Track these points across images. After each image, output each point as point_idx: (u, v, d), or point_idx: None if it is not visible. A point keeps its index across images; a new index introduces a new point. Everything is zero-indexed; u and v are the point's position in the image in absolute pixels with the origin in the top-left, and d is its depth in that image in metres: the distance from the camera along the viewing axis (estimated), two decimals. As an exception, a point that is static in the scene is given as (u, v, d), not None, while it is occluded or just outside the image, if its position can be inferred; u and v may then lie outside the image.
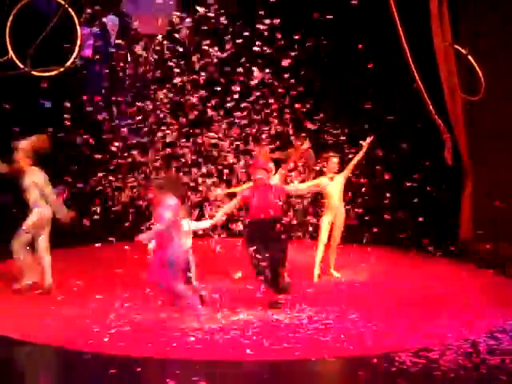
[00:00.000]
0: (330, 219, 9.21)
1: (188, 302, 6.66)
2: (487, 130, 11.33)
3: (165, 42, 11.04)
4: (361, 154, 9.24)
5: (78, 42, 7.34)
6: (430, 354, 5.95)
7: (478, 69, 9.95)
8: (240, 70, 9.65)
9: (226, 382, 5.30)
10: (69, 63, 7.48)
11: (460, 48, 10.31)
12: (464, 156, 11.33)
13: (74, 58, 7.29)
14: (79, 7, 7.66)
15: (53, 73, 7.47)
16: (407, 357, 5.84)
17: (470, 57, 10.09)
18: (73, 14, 7.36)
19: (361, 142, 9.36)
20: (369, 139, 9.28)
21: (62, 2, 7.40)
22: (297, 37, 10.11)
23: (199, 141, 9.82)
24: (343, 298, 7.98)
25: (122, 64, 10.96)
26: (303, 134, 9.59)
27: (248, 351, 5.97)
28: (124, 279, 8.65)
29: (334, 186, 9.15)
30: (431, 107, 10.02)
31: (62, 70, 7.48)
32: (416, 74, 9.65)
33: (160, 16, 12.70)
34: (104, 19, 11.38)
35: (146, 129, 10.75)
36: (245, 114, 9.61)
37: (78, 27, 7.41)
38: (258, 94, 9.59)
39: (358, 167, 9.68)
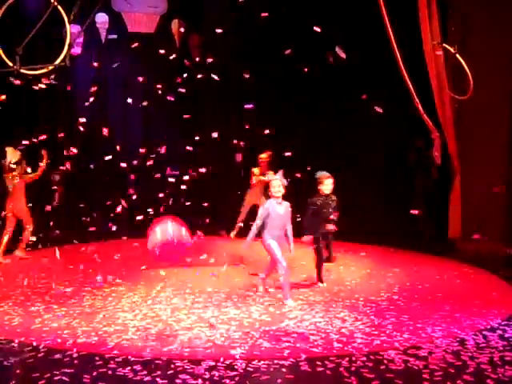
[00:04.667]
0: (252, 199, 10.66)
1: None
2: (475, 129, 11.39)
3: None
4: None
5: (68, 40, 7.29)
6: (419, 351, 5.98)
7: (466, 68, 9.99)
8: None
9: (214, 382, 5.29)
10: (58, 61, 7.43)
11: (448, 47, 10.36)
12: (453, 155, 11.39)
13: (64, 56, 7.24)
14: (69, 5, 7.58)
15: (42, 71, 7.44)
16: (396, 355, 5.88)
17: (458, 55, 10.14)
18: (62, 12, 7.32)
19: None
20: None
21: (52, 0, 7.37)
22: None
23: None
24: (332, 297, 8.01)
25: None
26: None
27: (237, 350, 5.98)
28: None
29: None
30: (420, 106, 10.08)
31: (51, 68, 7.44)
32: (405, 74, 9.71)
33: (150, 14, 12.69)
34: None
35: None
36: None
37: (67, 25, 7.36)
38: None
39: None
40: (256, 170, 11.49)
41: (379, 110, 9.82)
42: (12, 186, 10.24)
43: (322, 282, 8.63)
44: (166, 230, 8.05)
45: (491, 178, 11.17)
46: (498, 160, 11.17)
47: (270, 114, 12.51)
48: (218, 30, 11.22)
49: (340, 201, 8.83)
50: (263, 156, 11.34)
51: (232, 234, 11.79)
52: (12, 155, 10.18)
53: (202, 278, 8.95)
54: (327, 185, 8.55)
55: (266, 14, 10.74)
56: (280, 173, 7.80)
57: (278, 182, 7.74)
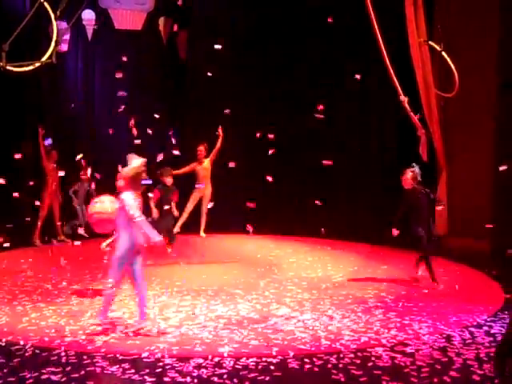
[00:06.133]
0: (199, 195, 10.74)
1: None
2: (460, 126, 11.45)
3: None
4: (219, 142, 10.52)
5: (55, 37, 7.26)
6: (406, 348, 6.02)
7: (452, 66, 10.04)
8: None
9: (202, 380, 5.29)
10: (45, 58, 7.40)
11: (435, 45, 10.40)
12: (439, 152, 11.44)
13: (51, 53, 7.21)
14: (55, 2, 7.55)
15: (29, 68, 7.40)
16: (383, 352, 5.91)
17: (444, 53, 10.19)
18: (49, 9, 7.29)
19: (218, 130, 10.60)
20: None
21: (38, -3, 7.34)
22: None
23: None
24: (319, 294, 8.03)
25: None
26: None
27: (225, 348, 5.99)
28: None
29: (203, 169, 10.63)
30: (406, 104, 10.11)
31: (38, 65, 7.41)
32: (391, 71, 9.75)
33: (137, 11, 12.65)
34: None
35: None
36: None
37: (54, 22, 7.34)
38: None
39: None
40: (195, 164, 11.19)
41: (320, 116, 10.32)
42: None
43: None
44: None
45: (477, 175, 11.25)
46: (484, 156, 11.23)
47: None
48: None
49: (329, 199, 8.90)
50: (201, 148, 11.14)
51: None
52: None
53: (190, 276, 8.96)
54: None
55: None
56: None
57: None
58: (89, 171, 10.51)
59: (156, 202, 9.86)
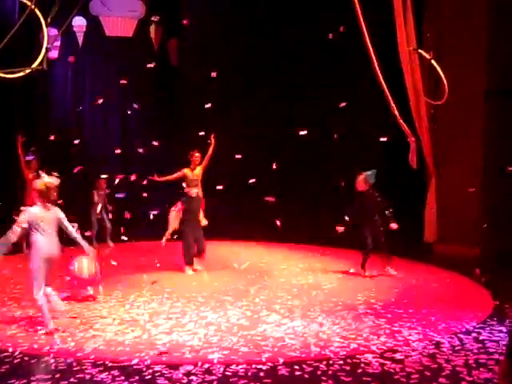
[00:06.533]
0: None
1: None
2: (450, 133, 11.52)
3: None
4: (211, 149, 10.25)
5: (45, 44, 7.26)
6: (396, 355, 6.03)
7: (441, 73, 10.11)
8: None
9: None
10: (35, 65, 7.40)
11: (424, 53, 10.48)
12: (428, 159, 11.50)
13: (42, 60, 7.21)
14: (46, 8, 7.55)
15: (19, 74, 7.39)
16: (373, 358, 5.92)
17: (433, 61, 10.26)
18: (40, 15, 7.28)
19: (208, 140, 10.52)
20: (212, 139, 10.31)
21: (29, 3, 7.33)
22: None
23: None
24: (309, 301, 8.04)
25: None
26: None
27: (215, 355, 5.98)
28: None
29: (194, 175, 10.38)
30: (396, 111, 10.17)
31: (28, 71, 7.40)
32: (381, 79, 9.80)
33: (128, 18, 12.66)
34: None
35: None
36: None
37: (44, 28, 7.33)
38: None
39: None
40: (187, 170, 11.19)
41: (303, 132, 10.49)
42: None
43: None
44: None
45: (466, 181, 11.30)
46: (472, 163, 11.30)
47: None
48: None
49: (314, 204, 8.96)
50: (198, 154, 11.11)
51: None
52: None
53: (181, 283, 8.96)
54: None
55: None
56: None
57: None
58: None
59: (183, 215, 9.86)
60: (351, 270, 9.74)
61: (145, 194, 11.82)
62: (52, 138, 11.55)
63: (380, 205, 9.39)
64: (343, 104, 10.04)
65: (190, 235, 9.73)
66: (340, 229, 9.36)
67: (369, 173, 9.44)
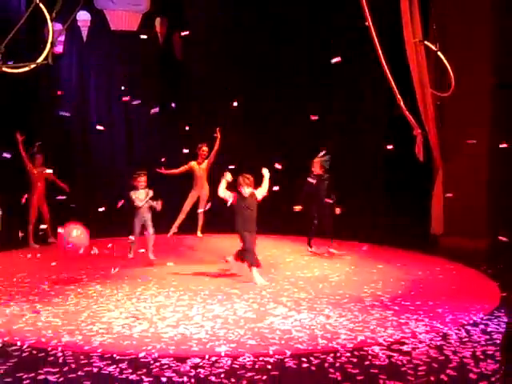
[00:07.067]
0: (196, 193, 11.17)
1: None
2: (456, 125, 11.47)
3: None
4: (217, 144, 10.91)
5: (50, 39, 7.24)
6: (403, 347, 6.03)
7: (448, 65, 10.06)
8: None
9: (199, 379, 5.29)
10: (40, 59, 7.38)
11: (430, 45, 10.42)
12: (435, 151, 11.47)
13: (47, 54, 7.19)
14: (51, 3, 7.53)
15: (24, 69, 7.38)
16: (380, 350, 5.92)
17: (440, 53, 10.21)
18: (45, 10, 7.27)
19: (214, 134, 11.06)
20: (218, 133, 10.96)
21: (34, -2, 7.31)
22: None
23: None
24: (316, 294, 8.04)
25: None
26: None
27: (222, 348, 5.99)
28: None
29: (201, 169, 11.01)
30: (402, 103, 10.14)
31: (33, 66, 7.39)
32: (387, 71, 9.77)
33: (132, 12, 12.65)
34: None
35: None
36: None
37: (49, 23, 7.32)
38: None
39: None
40: (194, 163, 11.25)
41: (314, 117, 10.60)
42: None
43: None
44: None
45: (473, 173, 11.27)
46: (478, 156, 11.25)
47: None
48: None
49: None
50: (205, 148, 11.15)
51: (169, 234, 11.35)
52: None
53: (187, 276, 8.98)
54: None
55: None
56: None
57: None
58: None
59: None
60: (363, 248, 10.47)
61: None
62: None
63: (328, 190, 10.31)
64: (337, 59, 9.40)
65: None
66: (297, 208, 10.30)
67: (324, 158, 10.24)
